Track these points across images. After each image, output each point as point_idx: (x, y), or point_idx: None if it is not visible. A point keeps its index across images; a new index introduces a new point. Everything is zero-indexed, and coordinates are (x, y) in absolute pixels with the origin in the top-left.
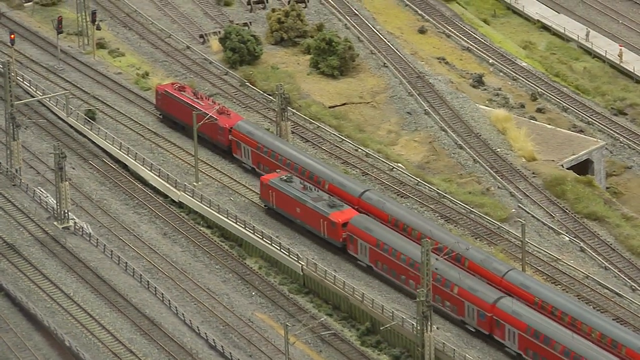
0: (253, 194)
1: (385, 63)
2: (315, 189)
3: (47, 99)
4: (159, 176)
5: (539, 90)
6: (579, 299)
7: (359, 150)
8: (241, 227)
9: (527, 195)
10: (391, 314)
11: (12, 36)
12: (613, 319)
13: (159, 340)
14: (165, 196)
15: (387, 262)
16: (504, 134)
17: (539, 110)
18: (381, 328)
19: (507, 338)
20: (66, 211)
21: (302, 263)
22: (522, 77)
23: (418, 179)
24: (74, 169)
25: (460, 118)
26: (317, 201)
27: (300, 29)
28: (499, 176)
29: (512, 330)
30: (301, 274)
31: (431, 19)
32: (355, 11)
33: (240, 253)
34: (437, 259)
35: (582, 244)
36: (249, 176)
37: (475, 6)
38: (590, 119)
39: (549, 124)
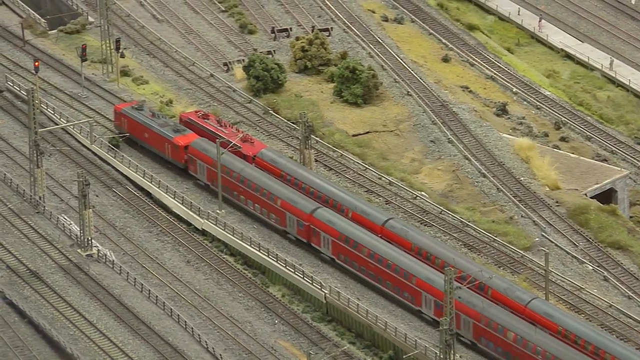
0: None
1: (408, 91)
2: (162, 116)
3: (71, 127)
4: (182, 204)
5: (563, 119)
6: (602, 328)
7: (383, 178)
8: (264, 255)
9: (551, 224)
10: (414, 343)
11: (37, 64)
12: (636, 348)
13: None
14: (189, 224)
15: (225, 182)
16: (527, 162)
17: (563, 139)
18: (404, 357)
19: (322, 245)
20: (90, 238)
21: (325, 291)
22: (546, 106)
23: (441, 208)
24: (97, 196)
25: (484, 147)
26: (163, 126)
27: (324, 57)
28: (522, 205)
29: (326, 237)
30: (324, 302)
31: (455, 48)
32: (379, 39)
33: (263, 281)
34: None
35: (605, 273)
36: None
37: (499, 35)
38: (614, 148)
39: (573, 153)
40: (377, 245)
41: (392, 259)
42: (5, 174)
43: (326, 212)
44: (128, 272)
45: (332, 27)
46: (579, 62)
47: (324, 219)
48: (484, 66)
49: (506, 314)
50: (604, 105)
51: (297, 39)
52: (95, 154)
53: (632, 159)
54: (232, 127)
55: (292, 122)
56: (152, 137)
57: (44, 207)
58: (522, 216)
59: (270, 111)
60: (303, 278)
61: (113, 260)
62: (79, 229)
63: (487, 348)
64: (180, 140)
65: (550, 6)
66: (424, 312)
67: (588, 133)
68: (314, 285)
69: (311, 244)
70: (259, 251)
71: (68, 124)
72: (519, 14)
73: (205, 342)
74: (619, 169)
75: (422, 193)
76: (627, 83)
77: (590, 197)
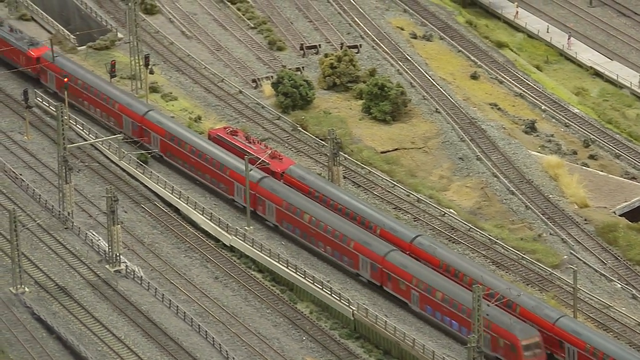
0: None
1: (437, 108)
2: (19, 32)
3: (100, 143)
4: (210, 220)
5: (592, 136)
6: (630, 346)
7: (411, 195)
8: (292, 271)
9: (579, 242)
10: None
11: (66, 80)
12: None
13: None
14: (217, 240)
15: (72, 91)
16: (556, 180)
17: (592, 157)
18: None
19: (152, 143)
20: (118, 254)
21: (353, 308)
22: (575, 124)
23: (470, 225)
24: (126, 212)
25: (512, 164)
26: (19, 40)
27: (353, 74)
28: (550, 222)
29: (155, 137)
30: (352, 318)
31: (484, 65)
32: (408, 56)
33: (291, 297)
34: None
35: (634, 291)
36: None
37: (528, 52)
38: None
39: (602, 171)
40: (197, 141)
41: (209, 154)
42: (34, 190)
43: (156, 114)
44: (156, 288)
45: (360, 44)
46: (608, 80)
47: (154, 119)
48: (513, 83)
49: (304, 200)
50: (633, 123)
51: (326, 55)
52: (124, 170)
53: None
54: (260, 144)
55: (321, 139)
56: (9, 50)
57: (73, 222)
58: (550, 234)
59: (299, 128)
60: (331, 295)
61: (141, 276)
62: (107, 245)
63: (288, 230)
64: (33, 52)
65: (580, 24)
66: (236, 201)
67: (617, 151)
68: (342, 302)
69: (142, 143)
70: (287, 268)
71: (97, 139)
72: (547, 32)
73: (233, 358)
74: None
75: (451, 210)
76: None
77: (619, 215)
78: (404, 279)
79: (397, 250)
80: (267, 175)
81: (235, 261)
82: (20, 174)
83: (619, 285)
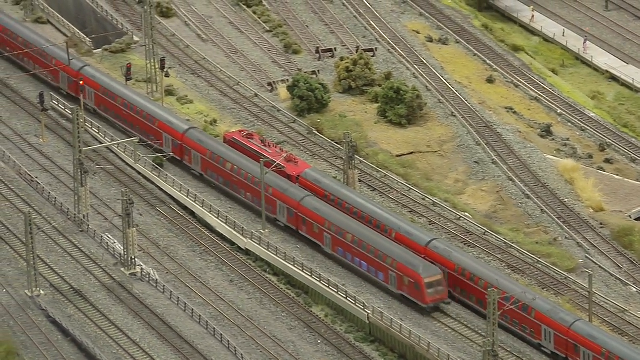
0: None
1: (453, 112)
2: None
3: (116, 146)
4: (226, 223)
5: (607, 140)
6: None
7: (426, 199)
8: (308, 275)
9: (595, 246)
10: None
11: (82, 82)
12: None
13: None
14: (232, 243)
15: (7, 43)
16: (571, 184)
17: (607, 161)
18: None
19: (87, 97)
20: (133, 257)
21: (369, 311)
22: (591, 128)
23: (485, 229)
24: (141, 215)
25: (528, 168)
26: None
27: (369, 77)
28: (566, 226)
29: (90, 91)
30: (367, 322)
31: (499, 69)
32: (424, 60)
33: (306, 301)
34: None
35: None
36: None
37: (544, 56)
38: None
39: (617, 175)
40: (129, 95)
41: (140, 106)
42: (49, 193)
43: (91, 69)
44: (171, 291)
45: (376, 48)
46: (624, 84)
47: (89, 74)
48: (529, 87)
49: (227, 149)
50: None
51: (342, 59)
52: (140, 173)
53: None
54: (276, 147)
55: (336, 142)
56: None
57: (88, 225)
58: (566, 238)
59: (314, 131)
60: (346, 298)
61: (156, 279)
62: (122, 248)
63: (212, 179)
64: None
65: (595, 28)
66: (165, 151)
67: (633, 155)
68: (357, 306)
69: (79, 98)
70: (302, 271)
71: (112, 142)
72: (563, 36)
73: None
74: None
75: (466, 214)
76: None
77: (635, 219)
78: (317, 222)
79: (312, 196)
80: (193, 126)
81: (250, 264)
82: (36, 177)
83: (635, 290)
